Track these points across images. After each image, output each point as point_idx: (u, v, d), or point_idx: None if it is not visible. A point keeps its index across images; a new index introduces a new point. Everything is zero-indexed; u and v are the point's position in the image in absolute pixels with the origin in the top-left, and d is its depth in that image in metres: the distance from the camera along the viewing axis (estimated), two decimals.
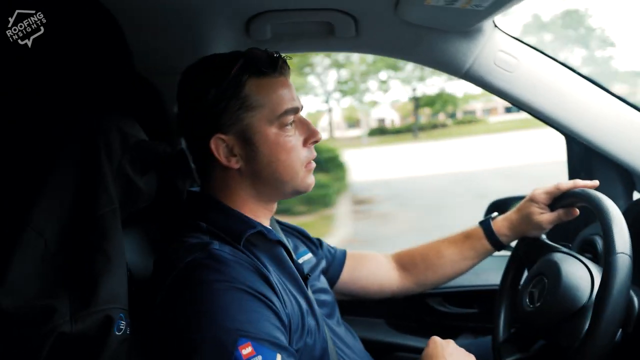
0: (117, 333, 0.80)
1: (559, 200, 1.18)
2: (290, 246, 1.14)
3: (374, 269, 1.36)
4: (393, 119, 36.17)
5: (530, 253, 1.22)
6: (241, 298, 0.83)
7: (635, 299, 0.95)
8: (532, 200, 1.21)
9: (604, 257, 0.90)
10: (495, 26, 1.34)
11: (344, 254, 1.35)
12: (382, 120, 35.92)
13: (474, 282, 1.54)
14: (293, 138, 0.98)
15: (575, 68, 1.36)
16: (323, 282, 1.20)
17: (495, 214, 1.31)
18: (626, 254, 0.89)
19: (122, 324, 0.82)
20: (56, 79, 1.08)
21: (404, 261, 1.37)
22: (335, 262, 1.32)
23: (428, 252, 1.35)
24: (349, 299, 1.38)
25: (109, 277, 0.82)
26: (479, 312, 1.60)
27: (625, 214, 1.17)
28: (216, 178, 1.01)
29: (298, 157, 0.99)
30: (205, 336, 0.78)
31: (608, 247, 0.90)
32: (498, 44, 1.33)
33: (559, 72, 1.35)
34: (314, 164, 1.03)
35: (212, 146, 0.95)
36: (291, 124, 0.98)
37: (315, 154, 1.03)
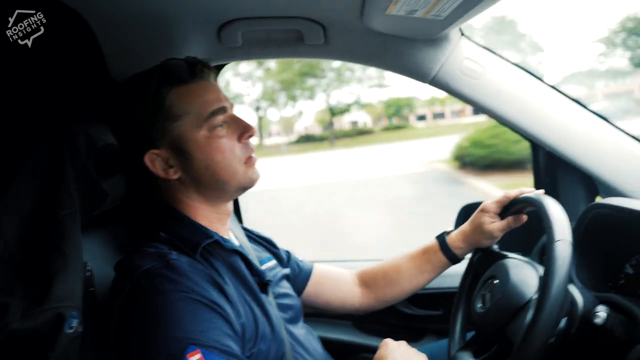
0: (68, 331, 0.83)
1: (508, 208, 1.22)
2: (252, 253, 1.17)
3: (338, 285, 1.39)
4: (366, 121, 36.82)
5: (483, 262, 1.26)
6: (195, 308, 0.86)
7: (581, 300, 0.98)
8: (483, 210, 1.25)
9: (547, 247, 0.93)
10: (462, 34, 1.37)
11: (310, 268, 1.38)
12: (355, 123, 36.61)
13: (440, 284, 1.57)
14: (225, 138, 1.00)
15: (540, 76, 1.40)
16: (286, 287, 1.23)
17: (450, 228, 1.34)
18: (566, 240, 0.91)
19: (74, 322, 0.84)
20: (31, 83, 1.11)
21: (366, 278, 1.40)
22: (301, 275, 1.35)
23: (388, 268, 1.38)
24: (312, 311, 1.41)
25: (64, 276, 0.84)
26: (443, 313, 1.63)
27: (582, 216, 1.21)
28: (162, 189, 1.05)
29: (234, 155, 1.00)
30: (158, 347, 0.81)
31: (549, 236, 0.93)
32: (464, 51, 1.36)
33: (523, 80, 1.38)
34: (255, 158, 1.05)
35: (147, 162, 0.99)
36: (221, 124, 1.00)
37: (253, 148, 1.05)
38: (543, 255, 1.42)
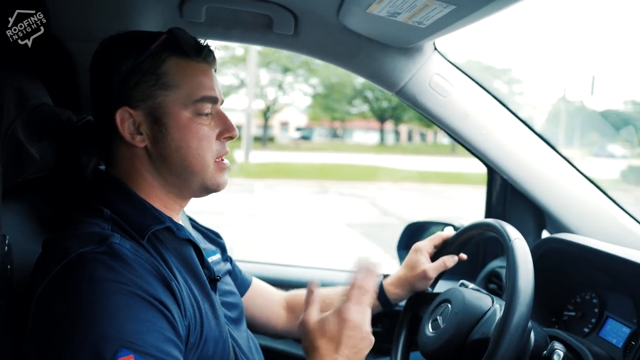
0: None
1: (443, 248, 1.21)
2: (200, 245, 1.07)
3: (267, 303, 1.31)
4: None
5: (419, 304, 1.22)
6: (133, 304, 0.74)
7: (532, 335, 0.96)
8: (417, 250, 1.22)
9: (505, 249, 0.96)
10: (435, 49, 1.34)
11: (249, 281, 1.29)
12: None
13: None
14: (207, 127, 0.92)
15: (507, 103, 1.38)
16: (230, 284, 1.13)
17: (388, 273, 1.28)
18: (520, 238, 0.96)
19: None
20: None
21: (294, 304, 1.31)
22: (239, 284, 1.25)
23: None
24: None
25: None
26: (382, 331, 1.58)
27: (534, 250, 1.20)
28: (121, 157, 0.93)
29: (210, 148, 0.93)
30: (83, 344, 0.69)
31: (505, 239, 0.98)
32: (435, 66, 1.33)
33: (490, 105, 1.37)
34: (227, 163, 0.98)
35: (117, 118, 0.88)
36: (207, 114, 0.93)
37: (228, 150, 0.98)
38: (489, 283, 1.40)
